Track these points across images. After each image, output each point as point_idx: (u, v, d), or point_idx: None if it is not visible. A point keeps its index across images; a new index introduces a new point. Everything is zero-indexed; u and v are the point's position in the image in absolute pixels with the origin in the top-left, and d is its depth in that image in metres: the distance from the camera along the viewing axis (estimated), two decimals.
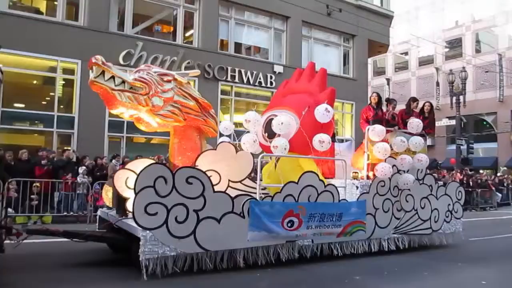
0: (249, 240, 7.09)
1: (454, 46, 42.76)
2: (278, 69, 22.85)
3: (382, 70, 48.29)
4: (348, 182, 8.52)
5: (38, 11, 18.90)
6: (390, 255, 8.77)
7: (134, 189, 6.29)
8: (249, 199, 7.09)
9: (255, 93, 22.39)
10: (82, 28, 18.24)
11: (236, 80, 21.59)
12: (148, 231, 6.31)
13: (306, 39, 25.02)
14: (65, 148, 16.34)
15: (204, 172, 6.79)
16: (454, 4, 43.24)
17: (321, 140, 7.75)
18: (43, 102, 18.22)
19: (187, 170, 6.67)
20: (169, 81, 7.42)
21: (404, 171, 8.81)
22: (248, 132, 8.26)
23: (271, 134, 8.65)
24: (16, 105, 18.02)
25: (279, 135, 7.96)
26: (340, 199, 8.00)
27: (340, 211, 7.95)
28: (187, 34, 21.49)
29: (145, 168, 6.41)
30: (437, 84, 41.91)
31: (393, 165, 8.73)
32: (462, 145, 31.04)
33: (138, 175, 6.36)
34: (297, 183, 7.54)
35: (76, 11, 18.75)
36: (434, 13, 44.43)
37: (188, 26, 21.37)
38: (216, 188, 7.14)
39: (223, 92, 21.70)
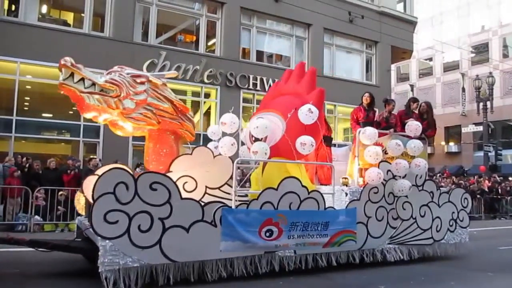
0: (222, 250, 6.42)
1: (480, 51, 41.21)
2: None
3: (405, 76, 46.93)
4: (337, 189, 7.70)
5: (65, 23, 19.39)
6: (414, 264, 8.31)
7: (92, 196, 5.71)
8: (221, 206, 6.40)
9: None
10: (108, 39, 18.55)
11: (258, 88, 21.31)
12: (107, 241, 5.77)
13: (328, 46, 24.65)
14: (91, 156, 16.32)
15: (170, 178, 6.17)
16: (480, 9, 41.73)
17: (303, 143, 7.07)
18: (70, 112, 18.21)
19: (151, 176, 6.11)
20: (142, 83, 6.89)
21: (400, 177, 7.93)
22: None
23: (258, 138, 7.96)
24: (44, 115, 18.43)
25: (260, 140, 7.22)
26: (326, 206, 7.19)
27: (326, 219, 7.22)
28: (210, 43, 21.54)
29: (104, 173, 5.88)
30: (463, 90, 40.41)
31: (388, 170, 7.91)
32: (490, 151, 29.92)
33: (96, 181, 5.75)
34: (276, 189, 6.80)
35: (102, 22, 19.04)
36: (459, 18, 42.95)
37: (210, 35, 21.42)
38: (192, 195, 6.58)
39: (245, 100, 21.50)
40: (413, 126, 8.28)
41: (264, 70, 21.90)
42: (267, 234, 6.78)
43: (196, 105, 20.42)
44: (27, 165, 13.63)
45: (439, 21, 44.67)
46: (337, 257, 7.51)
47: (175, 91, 20.39)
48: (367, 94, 8.95)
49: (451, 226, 8.79)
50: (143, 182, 6.00)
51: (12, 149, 16.29)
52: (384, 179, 7.93)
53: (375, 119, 8.84)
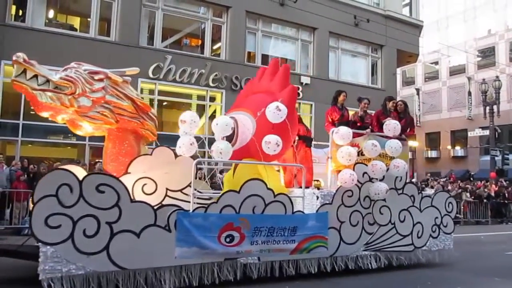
0: (177, 257, 5.78)
1: (487, 55, 39.90)
2: (305, 80, 21.88)
3: (411, 80, 45.66)
4: (309, 192, 6.96)
5: (72, 28, 19.04)
6: (420, 268, 7.92)
7: (32, 199, 5.09)
8: (176, 210, 5.73)
9: None
10: (114, 43, 18.13)
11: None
12: (48, 247, 5.24)
13: (334, 50, 23.89)
14: (97, 160, 15.82)
15: (119, 179, 5.52)
16: (486, 13, 40.47)
17: (267, 141, 6.38)
18: None
19: (97, 177, 5.57)
20: (101, 80, 6.34)
21: (377, 179, 7.16)
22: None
23: (229, 138, 7.29)
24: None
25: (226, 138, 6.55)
26: (294, 210, 6.46)
27: (293, 224, 6.55)
28: (215, 47, 21.01)
29: (45, 174, 5.20)
30: (469, 93, 39.17)
31: (364, 173, 7.17)
32: (496, 156, 28.77)
33: (36, 183, 5.14)
34: (238, 192, 6.11)
35: (108, 27, 18.64)
36: (465, 22, 41.67)
37: (215, 39, 20.87)
38: (151, 198, 5.97)
39: None
40: (391, 125, 7.58)
41: None
42: (228, 239, 6.16)
43: (201, 109, 19.93)
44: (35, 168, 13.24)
45: (445, 25, 43.36)
46: (306, 265, 6.67)
47: (181, 94, 19.87)
48: (343, 93, 8.17)
49: (433, 232, 8.07)
50: (89, 184, 5.48)
51: (19, 153, 15.93)
52: (359, 182, 7.14)
53: (350, 118, 8.02)
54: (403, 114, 8.64)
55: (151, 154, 6.52)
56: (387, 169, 7.58)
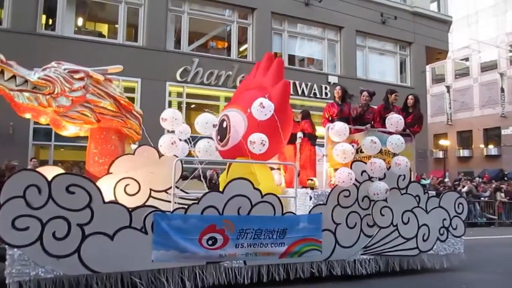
0: (154, 260, 5.30)
1: None
2: (333, 79, 21.31)
3: (441, 77, 43.55)
4: (302, 192, 6.37)
5: (100, 35, 19.18)
6: (453, 271, 7.40)
7: None
8: (152, 211, 5.27)
9: (310, 104, 20.78)
10: (141, 48, 18.01)
11: (291, 92, 19.73)
12: (16, 249, 4.93)
13: (361, 48, 23.19)
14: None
15: (90, 180, 5.13)
16: None
17: (252, 141, 5.85)
18: None
19: (67, 178, 5.23)
20: (81, 79, 6.02)
21: (377, 178, 6.50)
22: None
23: (222, 137, 6.80)
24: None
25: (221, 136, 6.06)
26: (284, 212, 5.88)
27: (283, 226, 6.01)
28: (241, 49, 20.76)
29: (12, 175, 4.86)
30: (502, 90, 37.08)
31: (363, 171, 6.51)
32: None
33: (3, 184, 4.86)
34: (222, 192, 5.58)
35: (136, 32, 18.59)
36: (496, 16, 39.46)
37: (242, 41, 20.59)
38: (134, 199, 5.70)
39: None
40: (394, 119, 6.92)
41: (296, 74, 20.87)
42: (210, 242, 5.72)
43: None
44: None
45: (475, 20, 41.14)
46: (297, 269, 6.08)
47: (209, 97, 19.62)
48: (338, 88, 7.57)
49: (441, 235, 7.33)
50: (59, 184, 5.13)
51: (52, 157, 16.04)
52: (357, 181, 6.49)
53: (352, 114, 7.35)
54: (412, 109, 7.88)
55: (133, 154, 6.06)
56: (389, 167, 6.89)
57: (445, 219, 7.42)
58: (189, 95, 18.43)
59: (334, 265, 6.50)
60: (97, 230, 5.21)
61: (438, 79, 43.74)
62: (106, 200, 5.36)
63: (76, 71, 6.06)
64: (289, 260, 6.19)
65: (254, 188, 5.98)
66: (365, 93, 7.59)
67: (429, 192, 7.51)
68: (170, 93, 18.39)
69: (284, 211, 6.17)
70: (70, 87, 5.92)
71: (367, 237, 6.76)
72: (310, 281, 6.33)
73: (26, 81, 5.70)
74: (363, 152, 6.97)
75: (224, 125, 7.06)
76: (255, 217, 5.94)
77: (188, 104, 18.76)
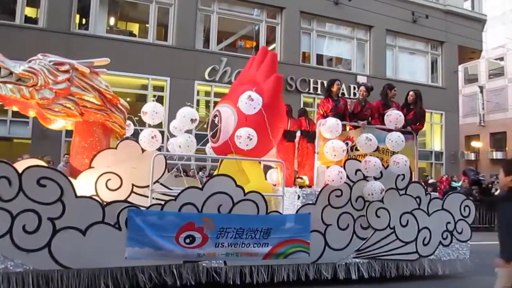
0: (127, 257, 5.05)
1: None
2: (362, 79, 20.74)
3: (474, 78, 41.29)
4: (291, 191, 5.98)
5: (131, 34, 19.57)
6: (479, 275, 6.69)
7: None
8: (127, 207, 5.00)
9: None
10: (171, 47, 18.23)
11: (319, 91, 20.08)
12: None
13: (391, 48, 22.79)
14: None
15: (62, 173, 4.94)
16: None
17: (238, 135, 5.51)
18: (136, 118, 18.07)
19: (39, 170, 5.02)
20: (66, 71, 5.83)
21: (372, 178, 6.02)
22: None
23: (214, 133, 6.51)
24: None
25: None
26: (269, 211, 5.52)
27: (267, 226, 5.65)
28: (270, 48, 19.99)
29: None
30: None
31: (357, 170, 6.05)
32: None
33: None
34: (201, 189, 5.26)
35: (165, 32, 18.79)
36: None
37: (270, 40, 20.53)
38: (116, 194, 5.48)
39: (306, 104, 20.00)
40: (393, 116, 6.41)
41: (325, 73, 20.41)
42: (187, 240, 5.39)
43: None
44: None
45: (511, 18, 38.67)
46: (283, 271, 5.69)
47: None
48: (337, 82, 7.03)
49: (444, 239, 6.71)
50: (29, 177, 4.96)
51: None
52: (351, 180, 6.03)
53: (349, 110, 6.87)
54: (414, 105, 7.31)
55: (116, 148, 5.83)
56: (387, 166, 6.38)
57: (449, 223, 6.84)
58: (217, 94, 18.33)
59: (323, 268, 6.04)
60: (69, 225, 5.02)
61: (471, 79, 41.59)
62: (80, 194, 5.15)
63: (61, 63, 5.88)
64: (274, 261, 5.82)
65: (237, 185, 5.63)
66: (362, 88, 7.12)
67: (431, 193, 6.88)
68: (198, 92, 18.40)
69: (269, 210, 5.79)
70: (54, 79, 5.74)
71: (360, 239, 6.28)
72: (297, 284, 5.92)
73: (11, 73, 5.56)
74: (358, 150, 6.48)
75: (216, 120, 6.75)
76: (236, 215, 5.60)
77: (216, 103, 18.63)
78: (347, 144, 6.50)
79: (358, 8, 20.67)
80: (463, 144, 34.57)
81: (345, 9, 20.81)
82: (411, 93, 7.46)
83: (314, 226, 5.97)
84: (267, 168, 7.55)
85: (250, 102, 5.72)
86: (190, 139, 5.83)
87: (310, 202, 6.05)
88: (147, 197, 5.72)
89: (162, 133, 6.01)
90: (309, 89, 20.04)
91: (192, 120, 5.96)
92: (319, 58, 21.44)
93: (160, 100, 17.66)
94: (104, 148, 5.94)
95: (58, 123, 6.16)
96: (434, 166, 23.06)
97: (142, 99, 17.99)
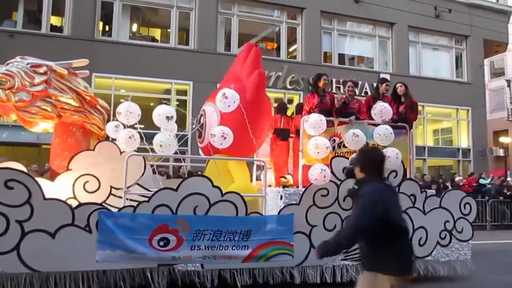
0: (98, 260, 4.80)
1: None
2: (385, 77, 19.37)
3: (501, 71, 39.02)
4: (274, 191, 5.61)
5: (153, 39, 19.42)
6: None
7: None
8: (97, 209, 4.78)
9: None
10: (193, 51, 18.06)
11: (341, 91, 18.87)
12: None
13: (414, 44, 21.83)
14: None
15: (30, 175, 4.75)
16: None
17: (212, 134, 5.17)
18: None
19: (6, 172, 4.86)
20: (44, 73, 5.74)
21: None
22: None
23: (200, 133, 6.23)
24: (137, 126, 18.67)
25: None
26: (248, 212, 5.17)
27: (247, 228, 5.35)
28: (291, 49, 20.16)
29: None
30: None
31: (344, 168, 5.55)
32: None
33: None
34: (176, 190, 4.97)
35: (187, 36, 18.64)
36: None
37: (291, 41, 20.00)
38: (94, 197, 5.33)
39: None
40: (378, 108, 5.96)
41: (347, 73, 19.60)
42: (161, 243, 5.10)
43: None
44: None
45: None
46: (265, 274, 5.31)
47: None
48: (324, 77, 6.59)
49: (443, 239, 6.16)
50: None
51: None
52: (338, 179, 5.60)
53: (337, 105, 6.42)
54: (404, 97, 6.80)
55: (94, 150, 5.62)
56: None
57: (447, 221, 6.30)
58: None
59: (309, 271, 5.63)
60: (37, 227, 4.88)
61: (497, 73, 39.45)
62: (52, 196, 4.97)
63: (39, 66, 5.77)
64: (255, 264, 5.48)
65: (214, 186, 5.31)
66: (349, 83, 6.69)
67: (427, 190, 6.34)
68: None
69: (253, 212, 5.44)
70: (31, 82, 5.64)
71: None
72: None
73: None
74: (346, 146, 6.02)
75: (202, 120, 6.45)
76: (213, 217, 5.30)
77: None
78: (334, 141, 6.08)
79: (379, 5, 20.05)
80: (491, 140, 32.89)
81: (365, 7, 20.19)
82: (398, 84, 6.97)
83: (298, 227, 5.60)
84: (261, 169, 7.22)
85: (224, 100, 5.41)
86: (170, 138, 5.55)
87: (294, 202, 5.67)
88: (128, 199, 5.49)
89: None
90: (331, 89, 19.49)
91: (168, 118, 5.68)
92: (341, 57, 20.79)
93: (183, 104, 17.66)
94: (82, 150, 5.75)
95: (40, 126, 6.03)
96: (461, 163, 22.01)
97: (166, 103, 17.98)
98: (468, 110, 21.97)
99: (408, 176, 6.41)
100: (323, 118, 5.78)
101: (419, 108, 20.27)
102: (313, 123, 5.75)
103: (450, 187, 15.51)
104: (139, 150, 5.81)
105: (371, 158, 3.34)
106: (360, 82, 19.11)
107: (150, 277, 5.18)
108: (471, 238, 6.45)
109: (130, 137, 5.51)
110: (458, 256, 6.36)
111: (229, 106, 5.42)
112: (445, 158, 22.49)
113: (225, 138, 5.38)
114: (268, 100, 6.56)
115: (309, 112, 6.47)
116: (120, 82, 16.88)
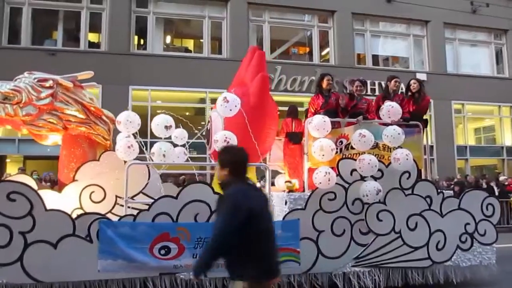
0: (100, 270, 4.75)
1: None
2: (421, 77, 19.18)
3: None
4: (280, 196, 5.38)
5: (187, 50, 19.71)
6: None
7: None
8: (97, 218, 4.74)
9: None
10: (226, 60, 18.02)
11: (377, 93, 18.39)
12: None
13: (450, 41, 21.00)
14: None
15: (31, 187, 4.79)
16: None
17: (215, 140, 5.20)
18: (195, 131, 18.29)
19: (8, 185, 4.94)
20: (50, 87, 5.80)
21: (371, 177, 5.28)
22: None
23: (208, 139, 6.12)
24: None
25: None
26: None
27: None
28: (323, 53, 19.94)
29: None
30: None
31: (353, 170, 5.32)
32: None
33: None
34: (176, 197, 4.86)
35: (220, 45, 18.76)
36: None
37: (323, 44, 19.81)
38: (100, 206, 5.35)
39: None
40: (385, 108, 5.68)
41: (382, 74, 18.95)
42: (162, 252, 4.98)
43: None
44: None
45: None
46: None
47: (293, 103, 19.33)
48: (327, 77, 6.29)
49: (463, 242, 5.69)
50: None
51: None
52: (346, 182, 5.31)
53: (342, 105, 6.10)
54: (418, 94, 6.37)
55: (98, 160, 5.60)
56: (389, 164, 5.55)
57: (468, 224, 5.84)
58: None
59: (318, 279, 5.33)
60: (40, 238, 4.89)
61: None
62: (52, 207, 4.97)
63: (45, 80, 5.84)
64: None
65: (214, 192, 5.13)
66: (357, 83, 6.35)
67: (444, 192, 5.89)
68: None
69: None
70: (38, 96, 5.71)
71: (359, 246, 5.51)
72: None
73: None
74: (354, 148, 5.69)
75: (209, 127, 6.31)
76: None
77: None
78: (341, 142, 5.78)
79: (411, 3, 19.36)
80: None
81: (398, 6, 19.58)
82: (413, 81, 6.58)
83: (304, 233, 5.35)
84: (274, 174, 6.99)
85: (226, 104, 5.24)
86: (166, 147, 5.43)
87: (299, 207, 5.40)
88: (133, 208, 5.42)
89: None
90: (366, 91, 18.91)
91: (167, 127, 5.56)
92: (375, 58, 20.30)
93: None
94: (87, 161, 5.73)
95: (49, 139, 6.09)
96: (506, 162, 20.79)
97: (201, 112, 18.01)
98: (510, 106, 20.86)
99: (423, 177, 5.99)
100: (327, 119, 5.50)
101: (459, 106, 19.70)
102: (316, 125, 5.48)
103: (495, 188, 14.71)
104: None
105: (234, 157, 3.09)
106: (368, 81, 18.55)
107: (152, 286, 5.07)
108: (495, 241, 5.95)
109: (129, 147, 5.43)
110: (482, 261, 5.88)
111: (230, 110, 5.26)
112: (488, 157, 21.36)
113: (228, 142, 5.21)
114: (274, 103, 6.33)
115: (314, 114, 6.20)
116: (156, 93, 17.16)
